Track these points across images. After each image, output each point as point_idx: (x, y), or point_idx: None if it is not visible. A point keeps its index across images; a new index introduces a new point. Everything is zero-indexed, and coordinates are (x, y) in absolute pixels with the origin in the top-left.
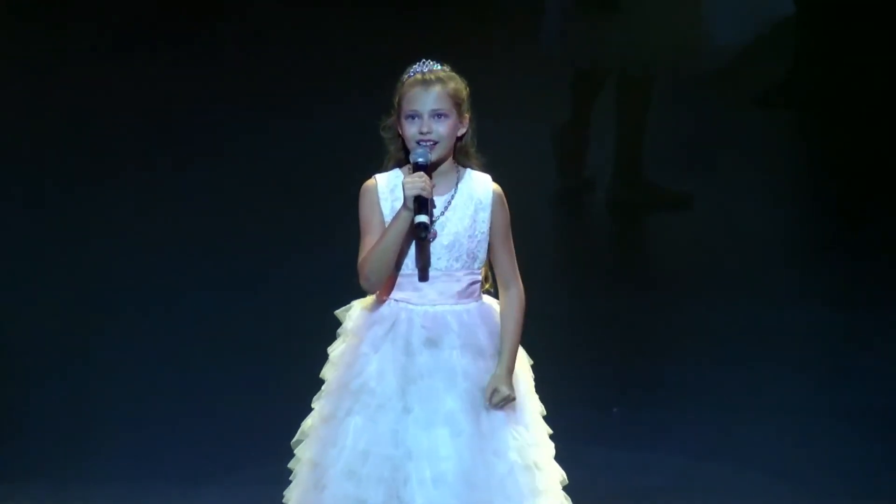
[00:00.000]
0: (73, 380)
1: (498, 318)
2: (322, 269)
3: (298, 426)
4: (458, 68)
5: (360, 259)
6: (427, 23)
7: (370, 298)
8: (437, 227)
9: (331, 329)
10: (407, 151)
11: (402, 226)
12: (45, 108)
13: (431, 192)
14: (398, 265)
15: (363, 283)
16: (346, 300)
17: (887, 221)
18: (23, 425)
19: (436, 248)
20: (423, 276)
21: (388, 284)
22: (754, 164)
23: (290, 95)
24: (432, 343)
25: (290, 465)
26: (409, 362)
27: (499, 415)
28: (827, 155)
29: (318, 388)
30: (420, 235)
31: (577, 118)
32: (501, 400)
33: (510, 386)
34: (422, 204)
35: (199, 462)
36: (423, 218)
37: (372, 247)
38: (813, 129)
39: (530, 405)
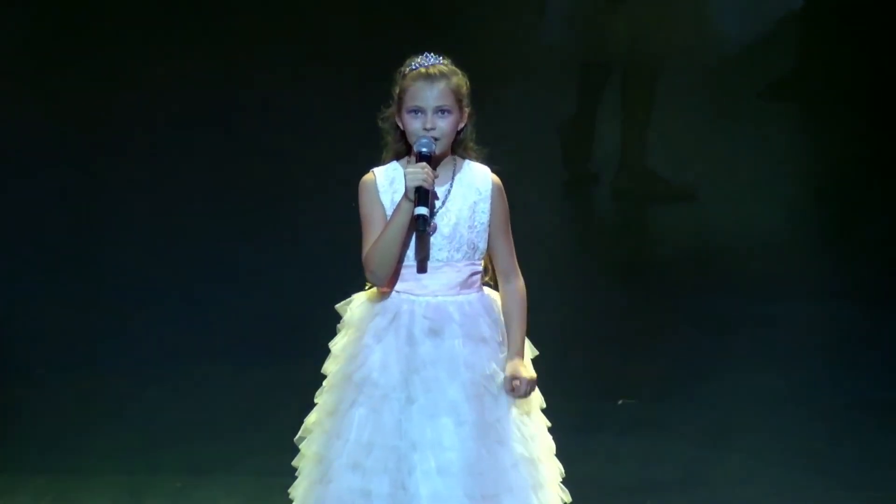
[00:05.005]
0: (73, 373)
1: (499, 309)
2: (324, 264)
3: (300, 419)
4: (464, 60)
5: (364, 254)
6: (433, 14)
7: (371, 291)
8: (436, 218)
9: (332, 323)
10: (406, 143)
11: (404, 217)
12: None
13: (433, 184)
14: (400, 257)
15: (370, 277)
16: (348, 294)
17: (893, 214)
18: (23, 418)
19: (436, 239)
20: (422, 267)
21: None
22: (759, 157)
23: (288, 90)
24: (435, 333)
25: (294, 463)
26: (411, 352)
27: (502, 405)
28: (832, 147)
29: (320, 382)
30: (419, 228)
31: (583, 110)
32: (527, 385)
33: (528, 369)
34: (422, 195)
35: (200, 455)
36: (422, 210)
37: (375, 241)
38: (818, 122)
39: (533, 397)
